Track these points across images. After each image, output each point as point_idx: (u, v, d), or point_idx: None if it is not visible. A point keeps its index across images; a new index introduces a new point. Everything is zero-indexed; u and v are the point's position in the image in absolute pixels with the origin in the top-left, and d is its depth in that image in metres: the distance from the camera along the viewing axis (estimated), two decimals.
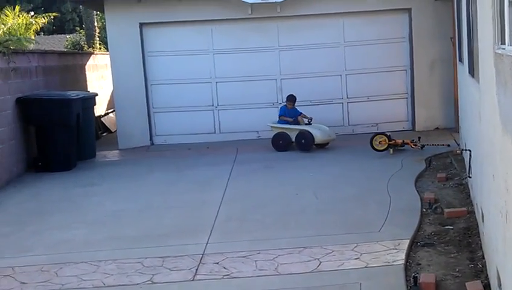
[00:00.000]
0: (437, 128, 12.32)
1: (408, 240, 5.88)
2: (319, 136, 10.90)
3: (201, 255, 5.90)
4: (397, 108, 12.63)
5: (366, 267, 5.36)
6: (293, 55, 12.48)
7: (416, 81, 12.38)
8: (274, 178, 9.10)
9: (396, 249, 5.69)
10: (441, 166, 9.18)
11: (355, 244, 5.87)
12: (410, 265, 5.41)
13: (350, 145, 11.15)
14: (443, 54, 12.11)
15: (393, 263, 5.38)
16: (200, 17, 12.28)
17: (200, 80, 12.49)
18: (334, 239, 6.11)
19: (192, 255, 5.90)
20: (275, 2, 11.78)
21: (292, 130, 11.06)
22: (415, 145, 10.23)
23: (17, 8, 13.75)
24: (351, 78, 12.52)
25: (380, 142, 10.23)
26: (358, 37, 12.43)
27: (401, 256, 5.51)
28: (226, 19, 12.33)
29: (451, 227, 6.38)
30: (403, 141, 10.31)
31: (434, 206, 6.99)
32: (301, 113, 11.34)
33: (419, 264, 5.44)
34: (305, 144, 10.84)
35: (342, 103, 12.59)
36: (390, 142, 10.19)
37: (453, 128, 11.54)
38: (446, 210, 6.83)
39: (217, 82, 12.52)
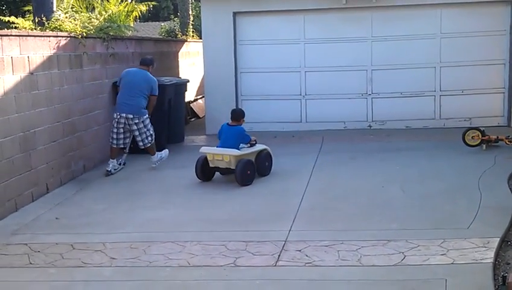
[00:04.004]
0: None
1: (498, 239, 5.67)
2: None
3: (283, 242, 5.94)
4: (492, 103, 12.12)
5: (452, 263, 5.23)
6: (386, 46, 12.24)
7: None
8: (360, 169, 9.00)
9: (485, 247, 5.50)
10: None
11: (442, 240, 5.73)
12: (499, 264, 5.23)
13: (441, 139, 10.84)
14: None
15: (482, 261, 5.21)
16: (292, 6, 12.26)
17: (289, 69, 12.51)
18: (420, 234, 5.99)
19: (275, 242, 5.95)
20: None
21: (253, 153, 8.70)
22: (510, 141, 9.81)
23: None
24: (445, 70, 12.14)
25: (472, 137, 9.89)
26: (455, 28, 11.99)
27: (490, 254, 5.32)
28: (319, 9, 12.25)
29: None
30: (497, 137, 9.91)
31: None
32: None
33: (509, 263, 5.25)
34: (270, 165, 8.90)
35: (434, 96, 12.25)
36: (483, 138, 9.83)
37: None
38: None
39: (306, 72, 12.49)
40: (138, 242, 6.09)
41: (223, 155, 8.35)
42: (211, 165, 8.47)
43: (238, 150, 8.39)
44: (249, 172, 8.33)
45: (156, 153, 9.43)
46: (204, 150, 8.67)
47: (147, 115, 9.23)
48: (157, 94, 9.40)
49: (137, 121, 9.09)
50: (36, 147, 7.89)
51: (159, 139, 10.68)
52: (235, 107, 9.25)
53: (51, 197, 7.99)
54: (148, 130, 9.20)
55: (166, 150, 9.74)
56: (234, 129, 8.59)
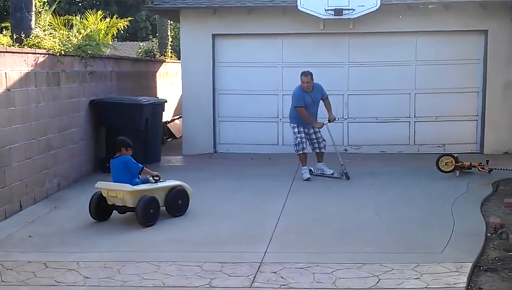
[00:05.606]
0: (506, 152, 11.96)
1: (471, 264, 5.76)
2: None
3: (259, 264, 5.95)
4: (466, 130, 12.36)
5: (426, 287, 5.28)
6: (362, 72, 12.41)
7: (487, 103, 12.10)
8: (335, 193, 9.07)
9: (458, 271, 5.58)
10: (509, 191, 8.91)
11: (416, 264, 5.79)
12: (471, 289, 5.29)
13: (415, 165, 10.98)
14: None
15: (455, 286, 5.28)
16: (271, 30, 12.40)
17: (267, 91, 12.60)
18: (395, 257, 6.04)
19: (250, 263, 5.95)
20: (348, 18, 11.75)
21: (161, 190, 7.72)
22: (483, 168, 9.98)
23: (100, 13, 14.18)
24: (420, 97, 12.34)
25: (446, 163, 10.04)
26: (430, 56, 12.25)
27: (463, 279, 5.40)
28: (297, 33, 12.40)
29: None
30: (470, 164, 10.08)
31: (499, 231, 6.80)
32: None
33: (481, 288, 5.32)
34: (185, 203, 7.91)
35: (409, 122, 12.43)
36: (457, 164, 9.98)
37: None
38: None
39: (283, 94, 12.58)
40: (112, 262, 6.04)
41: (116, 191, 7.42)
42: (108, 202, 7.58)
43: (132, 183, 7.45)
44: (151, 210, 7.37)
45: (303, 168, 10.14)
46: (99, 185, 7.63)
47: (293, 124, 10.12)
48: (296, 105, 9.99)
49: (290, 126, 10.31)
50: (11, 164, 7.81)
51: (135, 158, 10.66)
52: (121, 137, 7.87)
53: (24, 214, 7.89)
54: (295, 138, 10.09)
55: (309, 176, 10.11)
56: (119, 160, 7.60)
